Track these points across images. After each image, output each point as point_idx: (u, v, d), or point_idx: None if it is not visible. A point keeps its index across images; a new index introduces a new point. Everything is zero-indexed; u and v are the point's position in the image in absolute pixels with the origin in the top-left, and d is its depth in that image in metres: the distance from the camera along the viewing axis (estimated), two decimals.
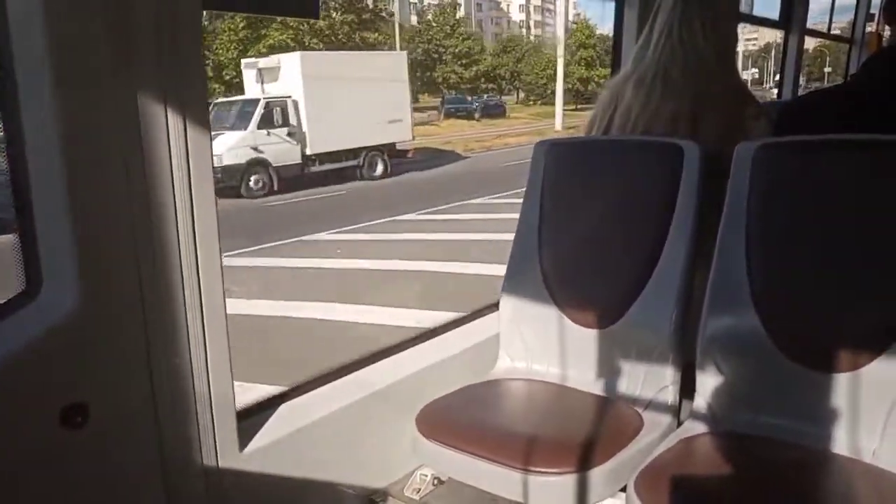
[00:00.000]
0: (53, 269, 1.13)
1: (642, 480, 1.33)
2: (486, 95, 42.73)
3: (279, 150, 15.54)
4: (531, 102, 45.59)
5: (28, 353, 1.09)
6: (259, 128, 15.47)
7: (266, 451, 1.48)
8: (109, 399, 1.17)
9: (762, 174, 1.55)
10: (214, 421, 1.34)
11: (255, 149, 15.17)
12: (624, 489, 1.37)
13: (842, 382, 1.41)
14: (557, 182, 1.87)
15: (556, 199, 1.86)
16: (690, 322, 1.60)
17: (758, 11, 4.38)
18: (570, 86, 40.51)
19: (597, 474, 1.41)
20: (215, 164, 1.35)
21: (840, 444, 1.40)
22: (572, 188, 1.87)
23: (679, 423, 1.59)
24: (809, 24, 4.55)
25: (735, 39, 1.84)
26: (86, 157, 1.09)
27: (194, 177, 1.24)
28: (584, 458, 1.42)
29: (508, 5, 51.88)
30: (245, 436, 1.43)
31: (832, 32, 5.93)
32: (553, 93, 39.35)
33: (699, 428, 1.53)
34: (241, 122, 15.48)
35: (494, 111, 38.25)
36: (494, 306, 1.96)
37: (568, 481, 1.40)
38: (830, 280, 1.47)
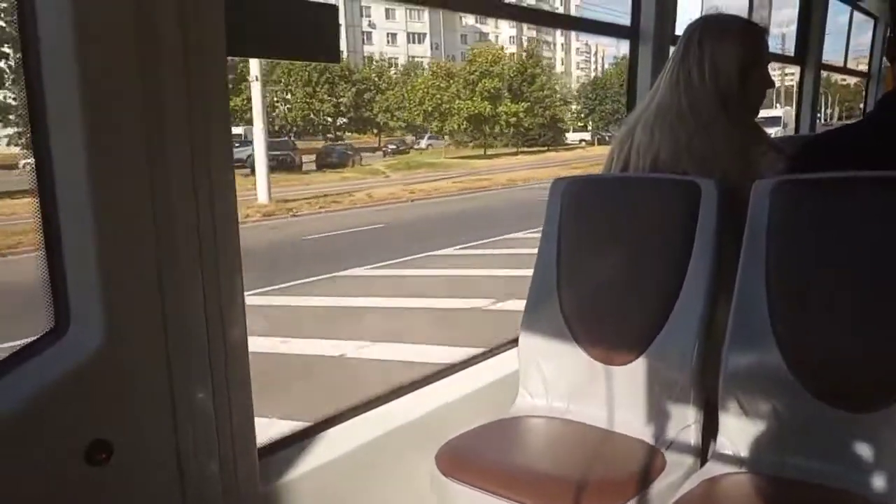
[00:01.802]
0: (80, 308, 1.15)
1: None
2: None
3: None
4: (470, 145, 38.54)
5: (55, 390, 1.11)
6: None
7: (286, 489, 1.48)
8: (133, 436, 1.18)
9: (780, 211, 1.55)
10: (236, 457, 1.34)
11: None
12: None
13: (869, 422, 1.39)
14: (575, 219, 1.88)
15: (573, 236, 1.87)
16: (712, 360, 1.59)
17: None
18: (456, 125, 35.67)
19: None
20: None
21: (866, 486, 1.37)
22: (590, 225, 1.88)
23: (703, 463, 1.57)
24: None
25: (738, 83, 1.84)
26: (113, 200, 1.12)
27: (218, 216, 1.26)
28: (607, 497, 1.41)
29: (497, 37, 49.07)
30: (266, 473, 1.43)
31: (848, 67, 5.94)
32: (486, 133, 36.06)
33: (723, 468, 1.50)
34: None
35: (335, 160, 28.87)
36: (513, 343, 1.96)
37: None
38: (854, 317, 1.45)
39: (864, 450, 1.40)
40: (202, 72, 1.19)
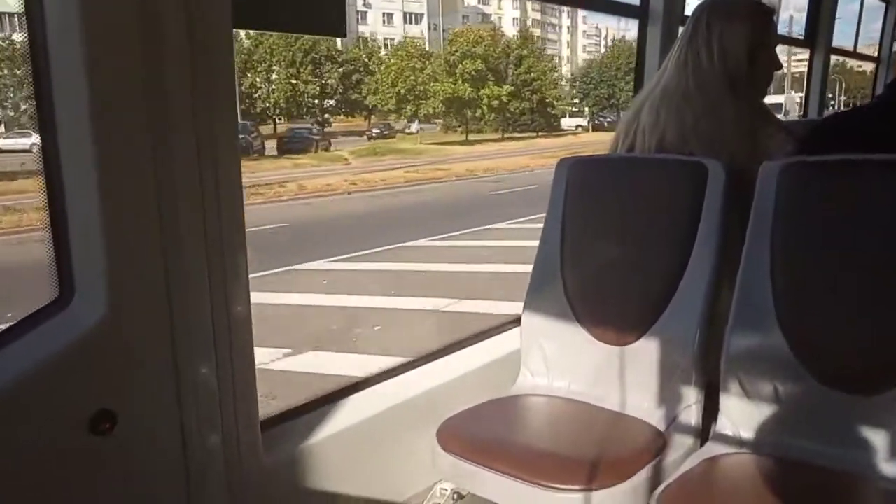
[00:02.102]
0: (85, 279, 1.16)
1: (664, 499, 1.32)
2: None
3: None
4: (458, 130, 35.15)
5: (60, 360, 1.11)
6: None
7: (288, 461, 1.50)
8: (136, 407, 1.19)
9: (787, 193, 1.54)
10: (238, 430, 1.35)
11: None
12: None
13: (871, 405, 1.39)
14: (580, 199, 1.87)
15: (578, 217, 1.86)
16: (715, 341, 1.59)
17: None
18: (431, 109, 32.61)
19: (618, 492, 1.40)
20: None
21: (865, 466, 1.38)
22: (595, 205, 1.87)
23: (702, 443, 1.57)
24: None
25: (747, 63, 1.83)
26: (118, 171, 1.12)
27: (222, 188, 1.26)
28: (606, 475, 1.42)
29: (500, 18, 45.71)
30: (268, 446, 1.44)
31: (859, 52, 5.89)
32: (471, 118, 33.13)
33: (722, 448, 1.51)
34: None
35: (297, 145, 26.88)
36: (515, 322, 1.96)
37: (588, 499, 1.39)
38: (857, 301, 1.45)
39: (865, 432, 1.41)
40: (207, 44, 1.19)
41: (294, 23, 1.52)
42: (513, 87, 35.44)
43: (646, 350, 1.68)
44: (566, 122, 41.30)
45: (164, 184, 1.17)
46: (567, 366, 1.80)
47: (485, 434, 1.63)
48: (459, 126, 35.57)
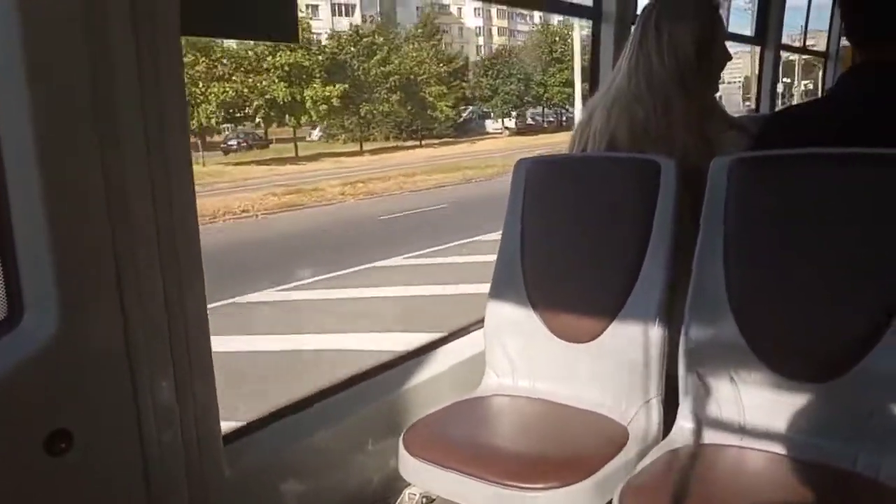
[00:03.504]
0: (34, 296, 1.13)
1: (628, 493, 1.34)
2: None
3: None
4: (341, 139, 31.20)
5: (10, 381, 1.09)
6: None
7: (252, 475, 1.48)
8: (93, 425, 1.17)
9: (738, 187, 1.58)
10: (200, 445, 1.33)
11: None
12: (610, 502, 1.38)
13: (823, 392, 1.43)
14: (538, 199, 1.89)
15: (537, 216, 1.88)
16: (674, 335, 1.62)
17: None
18: (204, 117, 25.50)
19: (583, 489, 1.42)
20: None
21: (821, 452, 1.42)
22: (553, 205, 1.89)
23: (664, 436, 1.60)
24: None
25: (696, 60, 1.86)
26: (63, 184, 1.10)
27: (176, 201, 1.24)
28: (570, 472, 1.43)
29: (460, 9, 39.93)
30: (231, 460, 1.43)
31: (807, 47, 6.05)
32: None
33: (684, 440, 1.54)
34: None
35: None
36: (480, 323, 1.97)
37: (554, 496, 1.41)
38: (808, 292, 1.49)
39: (821, 419, 1.44)
40: (155, 53, 1.17)
41: (244, 29, 1.51)
42: (346, 86, 29.00)
43: (606, 346, 1.70)
44: (493, 125, 37.46)
45: (114, 195, 1.15)
46: (531, 365, 1.82)
47: (450, 437, 1.63)
48: (342, 133, 31.52)
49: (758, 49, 4.55)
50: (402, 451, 1.58)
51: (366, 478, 1.73)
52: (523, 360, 1.83)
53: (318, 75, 28.66)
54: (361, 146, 30.82)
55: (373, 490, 1.73)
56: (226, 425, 1.44)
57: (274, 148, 29.45)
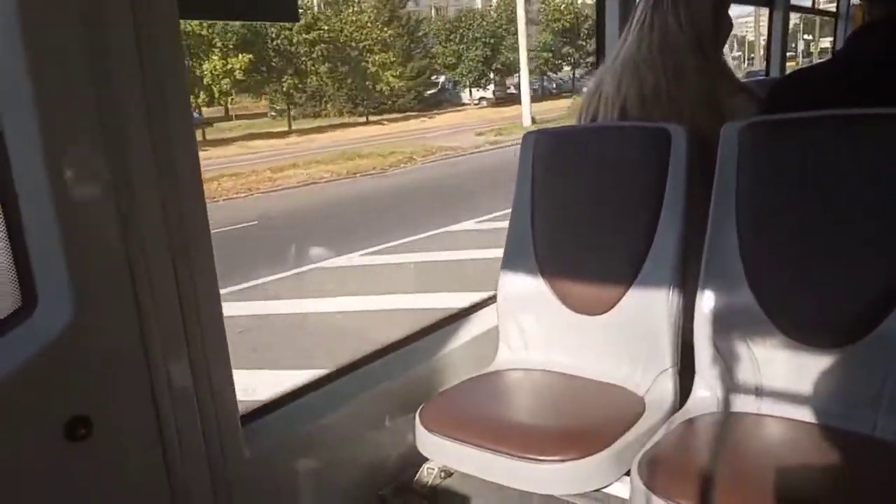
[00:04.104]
0: (47, 284, 1.13)
1: (645, 464, 1.34)
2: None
3: None
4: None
5: (28, 369, 1.09)
6: None
7: (272, 454, 1.49)
8: (111, 410, 1.18)
9: (749, 153, 1.56)
10: (219, 426, 1.34)
11: None
12: (628, 473, 1.38)
13: (839, 357, 1.42)
14: (547, 171, 1.87)
15: (547, 189, 1.86)
16: (688, 304, 1.61)
17: None
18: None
19: (600, 460, 1.42)
20: None
21: (839, 418, 1.41)
22: (563, 177, 1.88)
23: (681, 406, 1.60)
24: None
25: (713, 24, 1.84)
26: (71, 173, 1.09)
27: (182, 182, 1.24)
28: (587, 444, 1.44)
29: None
30: (250, 440, 1.44)
31: (818, 7, 5.92)
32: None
33: (700, 409, 1.54)
34: None
35: None
36: (493, 299, 1.97)
37: (572, 468, 1.41)
38: (822, 255, 1.47)
39: (836, 384, 1.44)
40: (154, 36, 1.16)
41: (244, 10, 1.49)
42: (251, 57, 24.60)
43: (620, 317, 1.69)
44: (468, 96, 34.20)
45: (121, 183, 1.15)
46: (544, 338, 1.81)
47: (467, 412, 1.64)
48: (293, 109, 27.68)
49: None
50: (420, 427, 1.59)
51: (384, 454, 1.74)
52: (537, 333, 1.82)
53: (219, 45, 24.18)
54: (290, 125, 27.30)
55: (391, 466, 1.74)
56: (243, 406, 1.45)
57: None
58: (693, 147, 1.66)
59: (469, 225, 9.78)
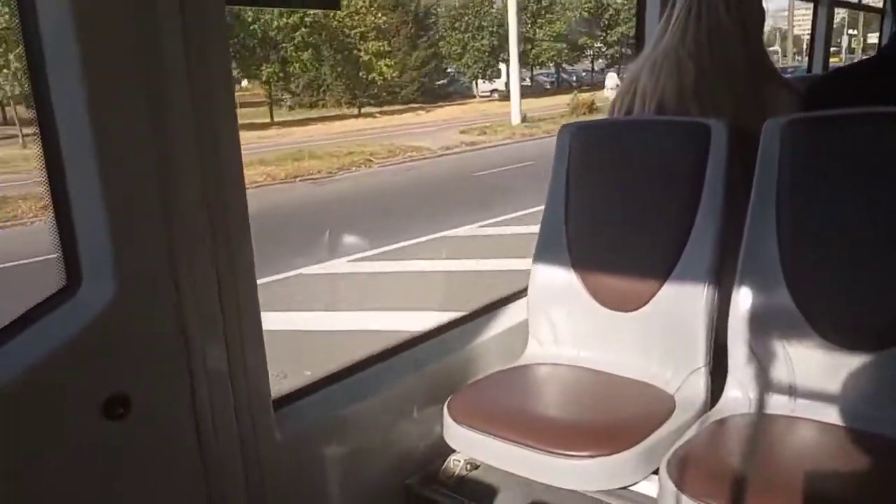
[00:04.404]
0: (91, 264, 1.16)
1: (675, 462, 1.33)
2: None
3: None
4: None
5: (70, 347, 1.12)
6: None
7: (302, 438, 1.51)
8: (149, 390, 1.21)
9: (791, 150, 1.53)
10: (252, 409, 1.37)
11: None
12: (657, 472, 1.37)
13: (876, 361, 1.40)
14: (583, 166, 1.86)
15: (582, 183, 1.85)
16: (722, 303, 1.59)
17: None
18: None
19: (629, 457, 1.42)
20: None
21: (874, 422, 1.39)
22: (599, 171, 1.86)
23: (712, 406, 1.58)
24: None
25: (761, 14, 1.81)
26: (117, 154, 1.12)
27: (225, 172, 1.26)
28: (616, 441, 1.43)
29: None
30: (282, 423, 1.46)
31: (863, 3, 5.77)
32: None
33: (732, 409, 1.52)
34: None
35: None
36: (523, 292, 1.97)
37: (600, 464, 1.41)
38: (864, 257, 1.44)
39: (873, 389, 1.41)
40: (200, 23, 1.17)
41: None
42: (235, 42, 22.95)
43: (653, 315, 1.68)
44: (482, 87, 32.10)
45: (164, 166, 1.17)
46: (575, 333, 1.81)
47: (495, 404, 1.64)
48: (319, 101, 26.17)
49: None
50: (447, 419, 1.60)
51: (411, 444, 1.75)
52: (567, 328, 1.82)
53: None
54: (272, 116, 26.00)
55: (418, 456, 1.75)
56: (275, 390, 1.47)
57: None
58: (733, 142, 1.64)
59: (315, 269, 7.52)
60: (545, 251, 1.86)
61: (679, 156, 1.72)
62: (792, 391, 1.49)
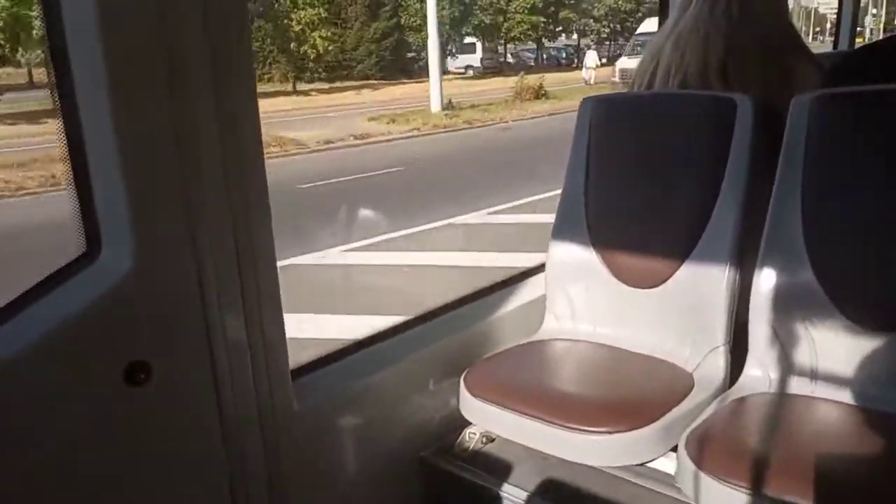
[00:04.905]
0: (111, 231, 1.16)
1: (694, 440, 1.32)
2: None
3: None
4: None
5: (92, 313, 1.13)
6: None
7: (319, 409, 1.52)
8: (169, 357, 1.21)
9: (819, 126, 1.49)
10: (270, 378, 1.37)
11: None
12: (675, 449, 1.37)
13: None
14: (604, 139, 1.83)
15: (602, 157, 1.82)
16: (744, 281, 1.57)
17: None
18: None
19: (647, 434, 1.41)
20: None
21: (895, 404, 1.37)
22: (620, 145, 1.83)
23: (731, 384, 1.57)
24: None
25: None
26: (136, 122, 1.12)
27: (243, 142, 1.25)
28: (634, 417, 1.42)
29: None
30: (299, 394, 1.46)
31: None
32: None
33: (751, 388, 1.51)
34: None
35: None
36: (540, 267, 1.95)
37: (618, 440, 1.40)
38: (891, 237, 1.42)
39: (893, 370, 1.39)
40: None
41: None
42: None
43: (673, 292, 1.66)
44: (455, 63, 28.97)
45: (183, 135, 1.16)
46: (592, 309, 1.79)
47: (512, 378, 1.64)
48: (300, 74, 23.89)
49: None
50: (464, 392, 1.60)
51: (427, 416, 1.76)
52: (584, 304, 1.81)
53: None
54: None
55: (434, 428, 1.76)
56: (293, 360, 1.47)
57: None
58: (759, 118, 1.60)
59: None
60: (564, 226, 1.84)
61: (703, 131, 1.69)
62: (813, 371, 1.47)
